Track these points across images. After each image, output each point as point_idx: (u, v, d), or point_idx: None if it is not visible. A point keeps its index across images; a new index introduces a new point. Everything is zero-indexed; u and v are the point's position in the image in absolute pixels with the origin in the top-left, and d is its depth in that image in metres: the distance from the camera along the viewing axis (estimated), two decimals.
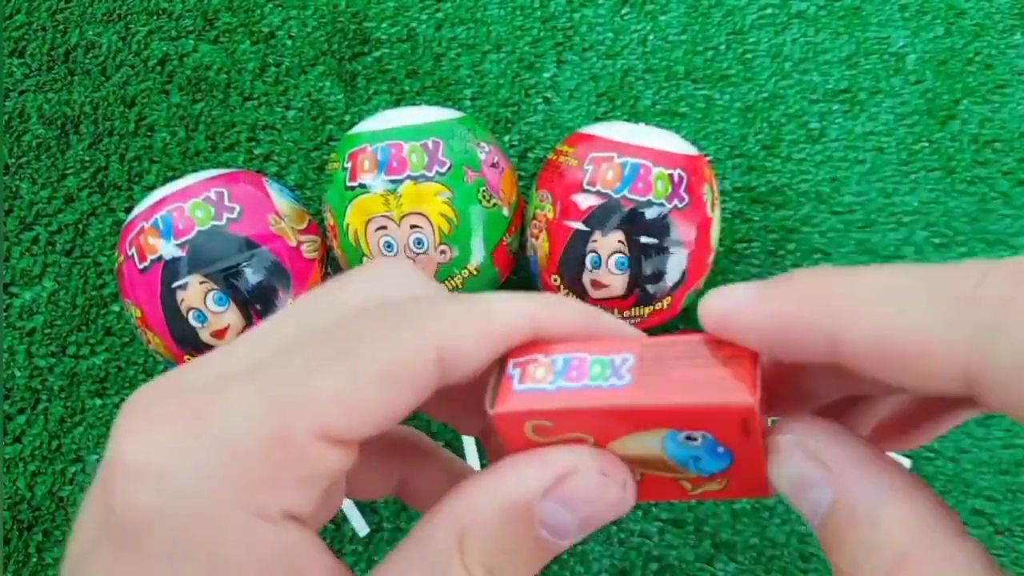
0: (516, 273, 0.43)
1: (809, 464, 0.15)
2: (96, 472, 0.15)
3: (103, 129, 0.48)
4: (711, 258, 0.39)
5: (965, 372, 0.13)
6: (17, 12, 0.50)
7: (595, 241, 0.37)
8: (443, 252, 0.38)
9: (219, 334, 0.37)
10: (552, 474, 0.16)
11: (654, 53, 0.48)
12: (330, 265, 0.41)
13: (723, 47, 0.48)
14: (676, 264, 0.37)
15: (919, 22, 0.47)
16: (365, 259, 0.39)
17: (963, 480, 0.42)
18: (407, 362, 0.15)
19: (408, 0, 0.49)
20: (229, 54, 0.49)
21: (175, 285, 0.36)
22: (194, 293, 0.36)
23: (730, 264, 0.45)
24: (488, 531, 0.16)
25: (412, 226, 0.37)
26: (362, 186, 0.38)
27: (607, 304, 0.38)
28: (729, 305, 0.16)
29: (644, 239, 0.37)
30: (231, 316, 0.37)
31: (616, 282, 0.37)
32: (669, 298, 0.38)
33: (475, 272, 0.39)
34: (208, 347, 0.37)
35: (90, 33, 0.50)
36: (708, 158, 0.42)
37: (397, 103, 0.48)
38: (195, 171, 0.41)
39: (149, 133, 0.48)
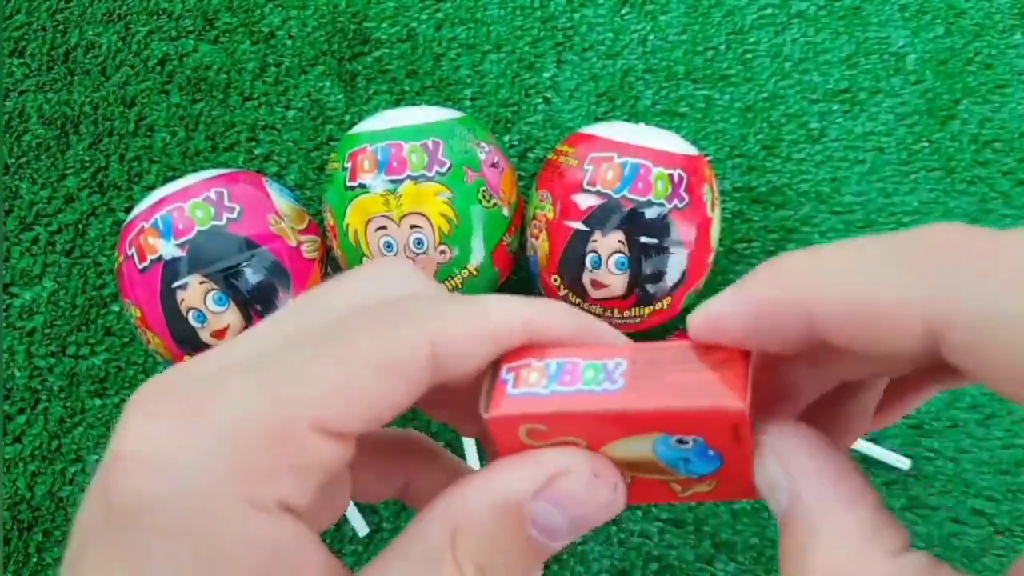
0: (516, 273, 0.43)
1: (776, 468, 0.16)
2: (98, 467, 0.16)
3: (103, 129, 0.48)
4: (711, 258, 0.39)
5: (925, 328, 0.13)
6: (17, 12, 0.50)
7: (595, 241, 0.37)
8: (443, 252, 0.38)
9: (219, 334, 0.37)
10: (544, 475, 0.16)
11: (654, 53, 0.48)
12: (330, 265, 0.41)
13: (723, 47, 0.48)
14: (676, 264, 0.37)
15: (919, 22, 0.47)
16: (365, 259, 0.39)
17: (963, 480, 0.42)
18: (401, 357, 0.16)
19: (408, 0, 0.49)
20: (229, 54, 0.49)
21: (175, 285, 0.36)
22: (194, 293, 0.36)
23: (730, 264, 0.45)
24: (480, 529, 0.16)
25: (412, 226, 0.37)
26: (362, 186, 0.38)
27: (607, 304, 0.38)
28: (711, 311, 0.16)
29: (644, 239, 0.37)
30: (231, 316, 0.37)
31: (616, 282, 0.37)
32: (669, 298, 0.38)
33: (475, 272, 0.39)
34: (208, 347, 0.37)
35: (90, 33, 0.50)
36: (708, 158, 0.42)
37: (397, 103, 0.48)
38: (195, 171, 0.41)
39: (149, 133, 0.48)
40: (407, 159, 0.37)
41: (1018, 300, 0.12)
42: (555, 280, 0.39)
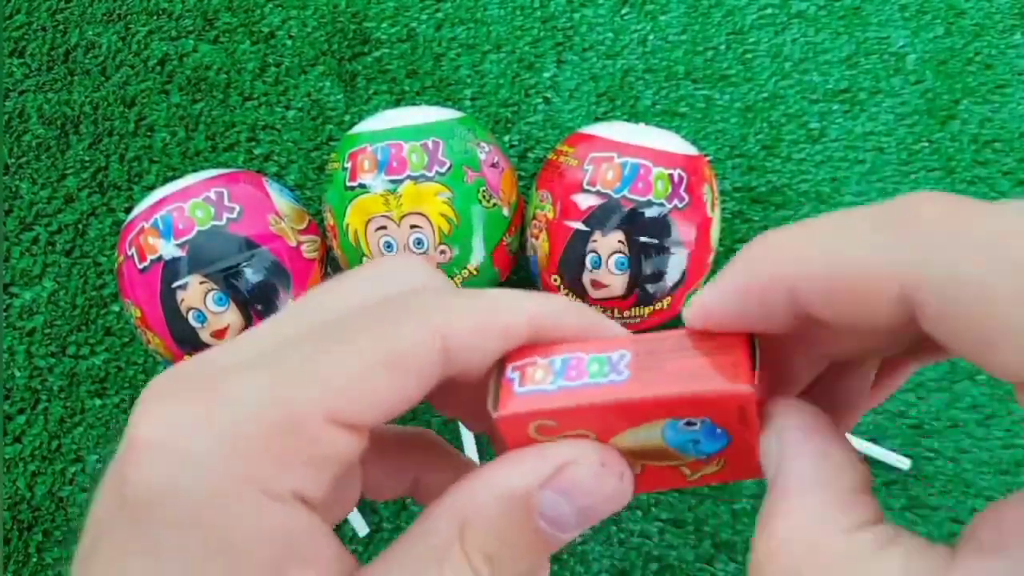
0: (516, 273, 0.43)
1: (774, 442, 0.16)
2: (113, 456, 0.16)
3: (103, 129, 0.48)
4: (711, 258, 0.39)
5: (902, 292, 0.13)
6: (17, 12, 0.50)
7: (595, 241, 0.37)
8: (443, 252, 0.38)
9: (219, 334, 0.37)
10: (551, 466, 0.16)
11: (654, 53, 0.48)
12: (330, 265, 0.41)
13: (723, 47, 0.48)
14: (676, 264, 0.37)
15: (919, 22, 0.47)
16: (365, 259, 0.39)
17: (963, 480, 0.42)
18: (412, 349, 0.16)
19: (408, 0, 0.49)
20: (229, 54, 0.49)
21: (175, 285, 0.36)
22: (194, 293, 0.36)
23: None
24: (488, 521, 0.16)
25: (412, 226, 0.37)
26: (362, 186, 0.38)
27: (607, 304, 0.38)
28: (701, 301, 0.17)
29: (644, 239, 0.37)
30: (231, 316, 0.37)
31: (616, 282, 0.37)
32: (669, 298, 0.38)
33: (475, 272, 0.39)
34: (208, 347, 0.37)
35: (90, 33, 0.50)
36: (708, 158, 0.42)
37: (397, 103, 0.48)
38: (195, 171, 0.41)
39: (149, 133, 0.48)
40: (407, 159, 0.37)
41: (983, 265, 0.13)
42: (555, 280, 0.39)
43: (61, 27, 0.50)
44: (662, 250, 0.37)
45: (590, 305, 0.38)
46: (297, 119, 0.48)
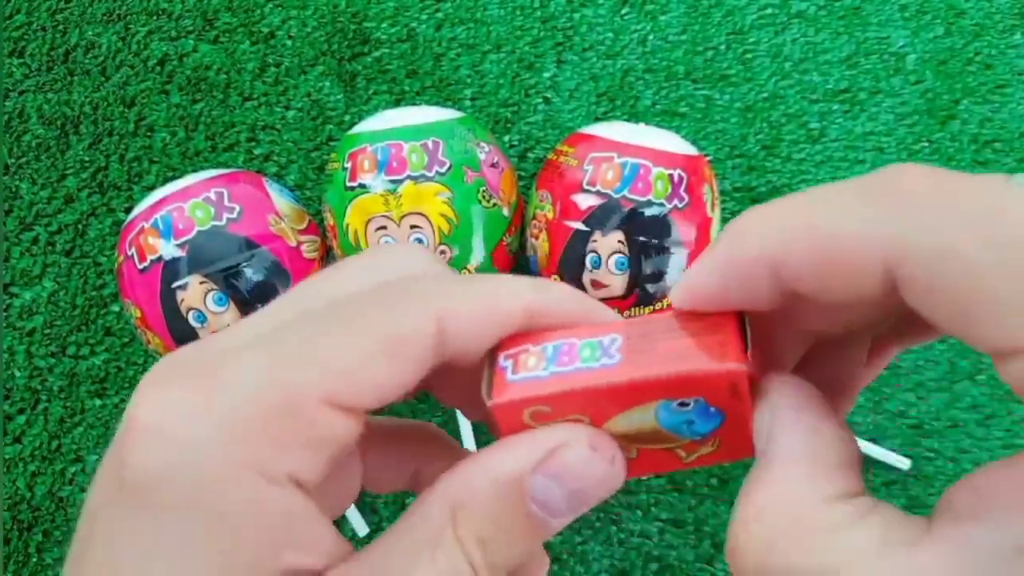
0: (516, 273, 0.43)
1: (766, 416, 0.16)
2: (112, 440, 0.16)
3: (103, 129, 0.48)
4: None
5: (885, 263, 0.13)
6: (17, 12, 0.50)
7: (595, 241, 0.37)
8: (443, 252, 0.38)
9: None
10: (542, 450, 0.17)
11: (654, 53, 0.48)
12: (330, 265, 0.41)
13: (723, 47, 0.48)
14: (676, 264, 0.37)
15: (919, 22, 0.47)
16: None
17: None
18: (409, 334, 0.16)
19: (408, 0, 0.49)
20: (229, 54, 0.49)
21: (175, 285, 0.36)
22: (194, 293, 0.36)
23: None
24: (481, 505, 0.16)
25: (412, 226, 0.37)
26: (362, 186, 0.38)
27: (607, 304, 0.38)
28: (686, 282, 0.17)
29: (644, 239, 0.37)
30: (231, 316, 0.37)
31: (616, 282, 0.37)
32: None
33: (475, 272, 0.39)
34: None
35: (90, 33, 0.50)
36: (708, 158, 0.42)
37: (397, 103, 0.48)
38: (195, 171, 0.41)
39: (149, 133, 0.48)
40: (407, 159, 0.37)
41: (967, 238, 0.13)
42: (555, 280, 0.39)
43: (61, 27, 0.50)
44: (662, 250, 0.37)
45: None
46: (297, 119, 0.48)
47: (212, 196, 0.37)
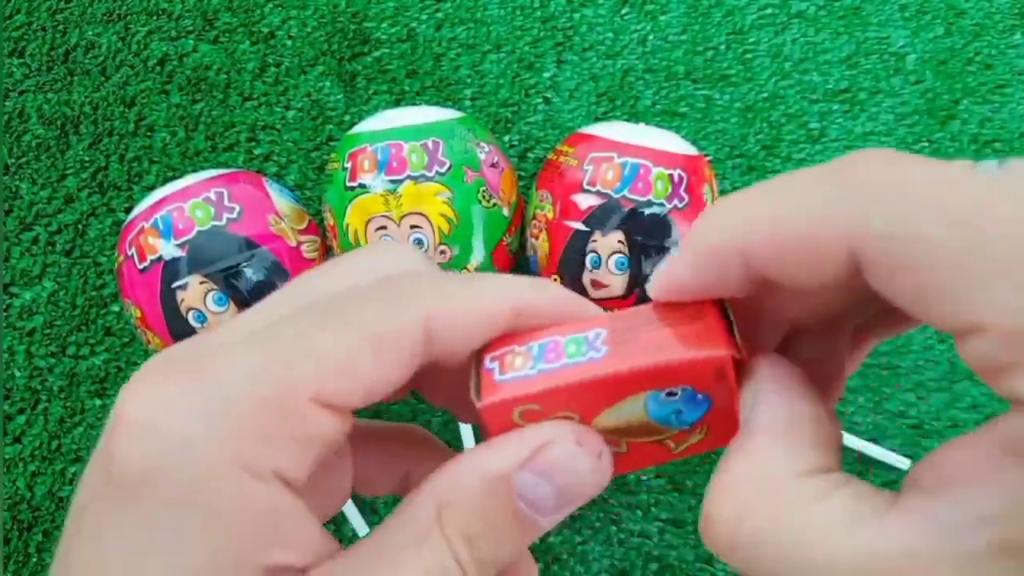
0: (516, 273, 0.43)
1: (749, 397, 0.16)
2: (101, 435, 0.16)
3: (103, 129, 0.48)
4: None
5: (847, 247, 0.14)
6: (17, 12, 0.50)
7: (595, 241, 0.37)
8: (443, 252, 0.38)
9: None
10: (529, 447, 0.17)
11: (654, 53, 0.48)
12: None
13: (723, 47, 0.48)
14: None
15: (919, 22, 0.47)
16: None
17: None
18: (395, 331, 0.16)
19: (408, 0, 0.49)
20: (229, 54, 0.49)
21: (175, 285, 0.36)
22: (194, 293, 0.36)
23: None
24: (468, 503, 0.16)
25: (412, 226, 0.37)
26: (362, 186, 0.38)
27: (607, 304, 0.38)
28: (661, 274, 0.17)
29: (644, 239, 0.37)
30: (231, 316, 0.37)
31: (616, 282, 0.37)
32: None
33: (474, 272, 0.39)
34: None
35: (90, 33, 0.50)
36: (708, 158, 0.42)
37: (397, 103, 0.48)
38: (195, 171, 0.41)
39: (149, 133, 0.48)
40: (407, 159, 0.37)
41: (923, 218, 0.13)
42: (555, 280, 0.39)
43: (61, 27, 0.50)
44: (662, 250, 0.37)
45: None
46: (297, 119, 0.48)
47: (212, 196, 0.37)
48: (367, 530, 0.43)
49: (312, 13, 0.49)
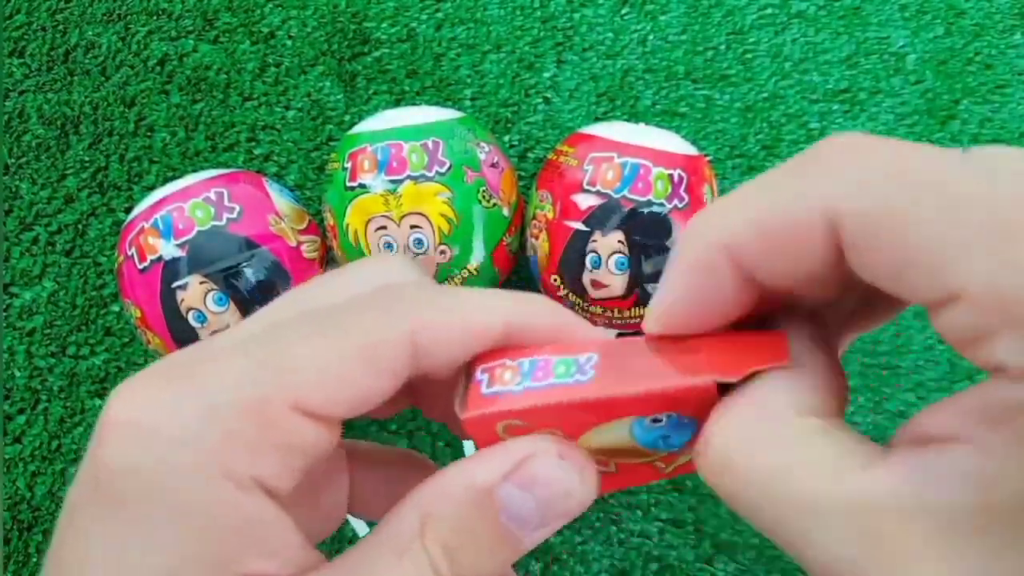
0: (516, 273, 0.43)
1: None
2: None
3: (103, 129, 0.48)
4: None
5: (825, 231, 0.14)
6: (17, 12, 0.50)
7: (595, 241, 0.37)
8: (443, 252, 0.38)
9: None
10: (512, 460, 0.17)
11: (654, 53, 0.48)
12: (330, 265, 0.41)
13: (723, 47, 0.48)
14: None
15: (919, 22, 0.47)
16: None
17: None
18: (382, 342, 0.16)
19: (408, 0, 0.49)
20: (229, 54, 0.49)
21: (175, 285, 0.36)
22: (194, 293, 0.36)
23: None
24: (450, 514, 0.16)
25: (412, 226, 0.37)
26: (362, 186, 0.38)
27: (607, 304, 0.38)
28: (654, 308, 0.17)
29: (644, 239, 0.37)
30: (231, 316, 0.37)
31: (616, 282, 0.37)
32: None
33: (475, 272, 0.39)
34: None
35: (90, 33, 0.50)
36: (708, 158, 0.42)
37: (397, 103, 0.48)
38: (195, 171, 0.41)
39: (149, 133, 0.48)
40: (407, 159, 0.37)
41: (892, 191, 0.13)
42: (555, 280, 0.39)
43: (61, 27, 0.50)
44: (662, 250, 0.37)
45: (590, 305, 0.39)
46: (297, 119, 0.48)
47: (212, 196, 0.37)
48: (367, 531, 0.43)
49: (312, 13, 0.49)
